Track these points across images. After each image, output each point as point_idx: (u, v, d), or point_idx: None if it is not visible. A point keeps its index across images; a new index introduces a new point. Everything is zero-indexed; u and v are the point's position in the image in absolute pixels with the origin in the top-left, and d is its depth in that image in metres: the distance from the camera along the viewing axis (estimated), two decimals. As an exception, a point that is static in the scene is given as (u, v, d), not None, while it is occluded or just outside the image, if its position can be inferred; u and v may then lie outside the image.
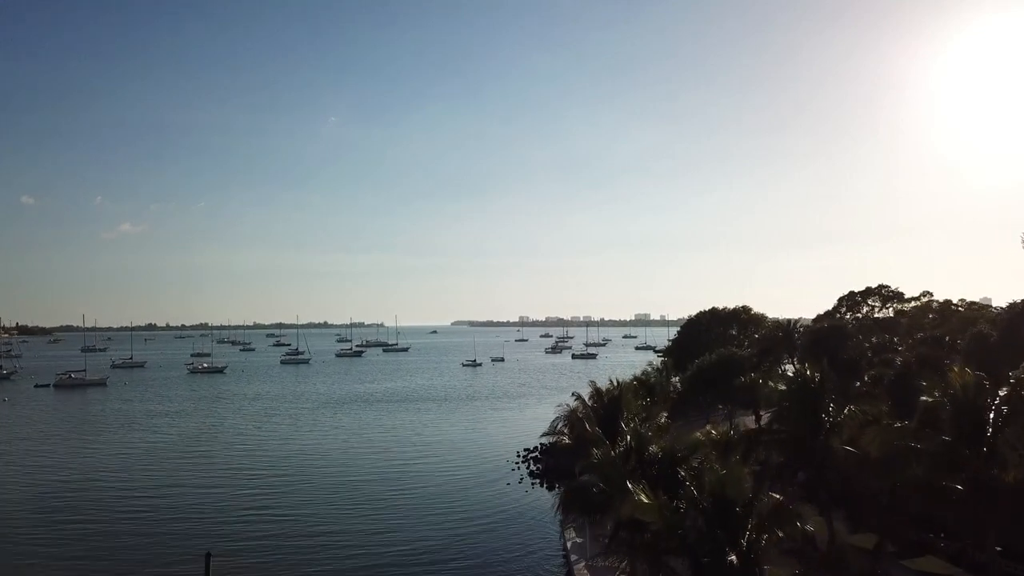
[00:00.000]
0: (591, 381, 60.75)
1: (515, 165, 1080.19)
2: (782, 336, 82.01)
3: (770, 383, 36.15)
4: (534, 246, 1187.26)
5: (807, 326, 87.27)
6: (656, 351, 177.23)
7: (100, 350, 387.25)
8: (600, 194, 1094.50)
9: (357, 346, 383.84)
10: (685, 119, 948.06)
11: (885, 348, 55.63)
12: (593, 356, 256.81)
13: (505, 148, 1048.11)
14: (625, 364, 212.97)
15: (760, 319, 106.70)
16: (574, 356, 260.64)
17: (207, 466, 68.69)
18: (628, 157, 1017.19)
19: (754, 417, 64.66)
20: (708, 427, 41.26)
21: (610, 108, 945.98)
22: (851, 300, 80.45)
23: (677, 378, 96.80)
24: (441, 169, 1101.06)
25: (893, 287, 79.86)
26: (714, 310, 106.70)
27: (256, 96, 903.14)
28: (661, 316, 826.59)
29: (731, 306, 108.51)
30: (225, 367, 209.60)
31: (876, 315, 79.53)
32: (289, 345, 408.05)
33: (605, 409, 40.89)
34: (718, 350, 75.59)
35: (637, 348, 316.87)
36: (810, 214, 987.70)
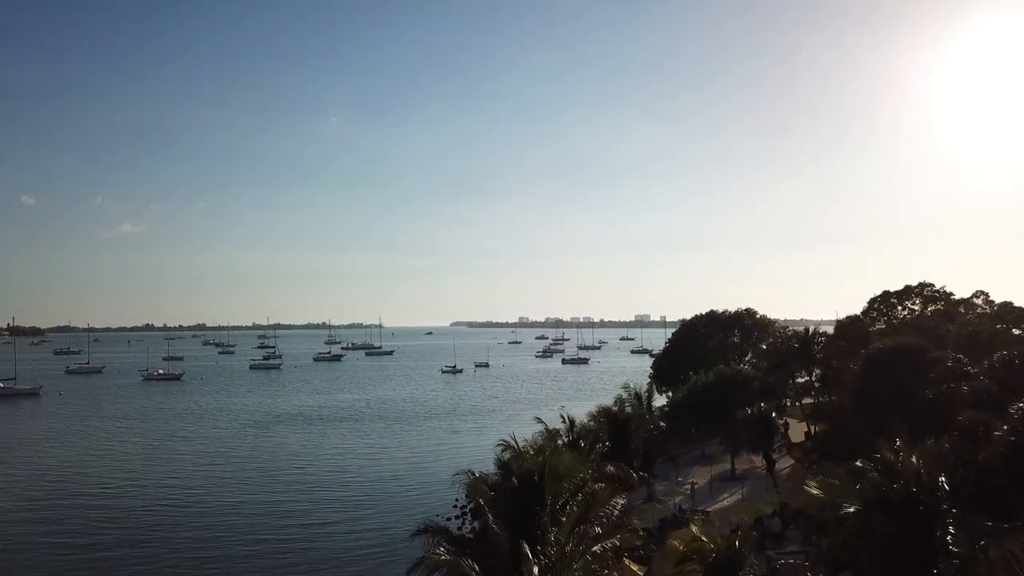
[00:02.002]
0: (536, 419, 44.04)
1: (515, 165, 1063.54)
2: (799, 348, 64.93)
3: (812, 484, 18.58)
4: (534, 246, 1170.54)
5: (827, 334, 70.22)
6: (652, 355, 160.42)
7: (75, 352, 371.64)
8: (600, 194, 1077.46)
9: (343, 348, 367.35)
10: (685, 119, 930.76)
11: (954, 372, 38.49)
12: (584, 361, 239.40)
13: (505, 148, 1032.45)
14: (616, 371, 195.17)
15: (767, 324, 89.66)
16: (564, 361, 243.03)
17: (31, 524, 51.44)
18: (628, 157, 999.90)
19: (765, 463, 47.60)
20: (695, 527, 23.74)
21: (610, 108, 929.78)
22: (885, 302, 63.30)
23: (666, 396, 79.82)
24: (441, 169, 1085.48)
25: (938, 285, 62.79)
26: (712, 313, 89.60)
27: (257, 96, 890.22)
28: (661, 317, 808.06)
29: (732, 309, 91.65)
30: (182, 374, 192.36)
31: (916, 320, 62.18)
32: (273, 348, 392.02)
33: (517, 493, 23.70)
34: (717, 367, 58.47)
35: (633, 352, 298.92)
36: (811, 214, 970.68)
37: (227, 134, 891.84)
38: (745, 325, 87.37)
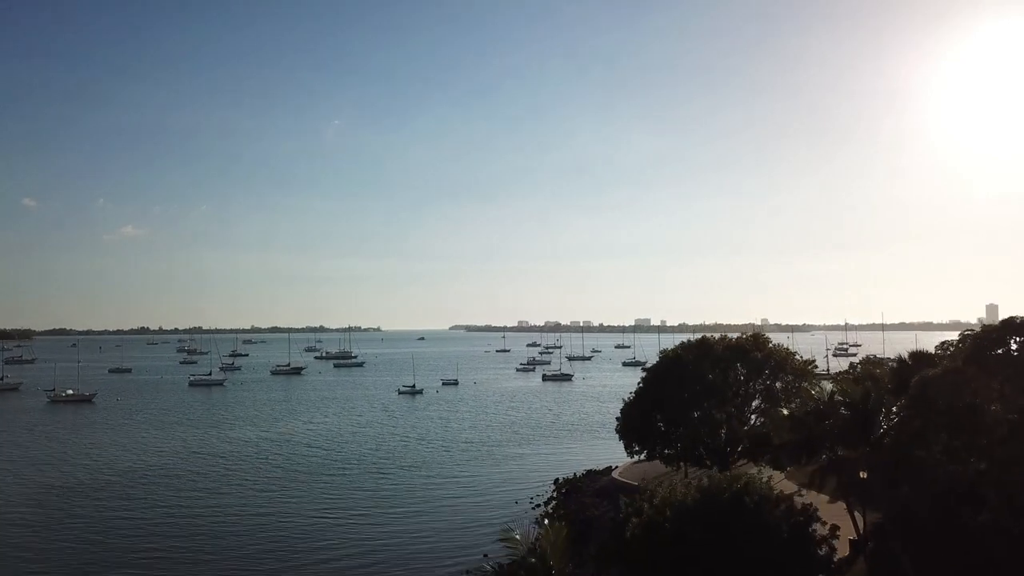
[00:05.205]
0: None
1: (519, 169, 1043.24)
2: (851, 419, 37.17)
3: None
4: (536, 250, 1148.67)
5: (888, 386, 42.46)
6: (645, 369, 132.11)
7: (27, 361, 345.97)
8: (602, 199, 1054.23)
9: (316, 357, 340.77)
10: (689, 125, 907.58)
11: None
12: (568, 378, 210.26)
13: (509, 153, 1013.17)
14: (597, 392, 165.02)
15: (784, 357, 61.86)
16: (545, 377, 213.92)
17: None
18: (632, 162, 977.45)
19: None
20: None
21: (614, 114, 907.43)
22: (1002, 341, 35.57)
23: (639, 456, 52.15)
24: (444, 173, 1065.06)
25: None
26: (705, 342, 61.84)
27: (260, 99, 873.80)
28: (661, 322, 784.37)
29: (733, 332, 63.87)
30: (94, 395, 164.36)
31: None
32: (247, 355, 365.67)
33: None
34: (705, 482, 30.41)
35: (625, 364, 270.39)
36: (815, 220, 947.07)
37: (230, 137, 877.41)
38: (752, 360, 59.56)
